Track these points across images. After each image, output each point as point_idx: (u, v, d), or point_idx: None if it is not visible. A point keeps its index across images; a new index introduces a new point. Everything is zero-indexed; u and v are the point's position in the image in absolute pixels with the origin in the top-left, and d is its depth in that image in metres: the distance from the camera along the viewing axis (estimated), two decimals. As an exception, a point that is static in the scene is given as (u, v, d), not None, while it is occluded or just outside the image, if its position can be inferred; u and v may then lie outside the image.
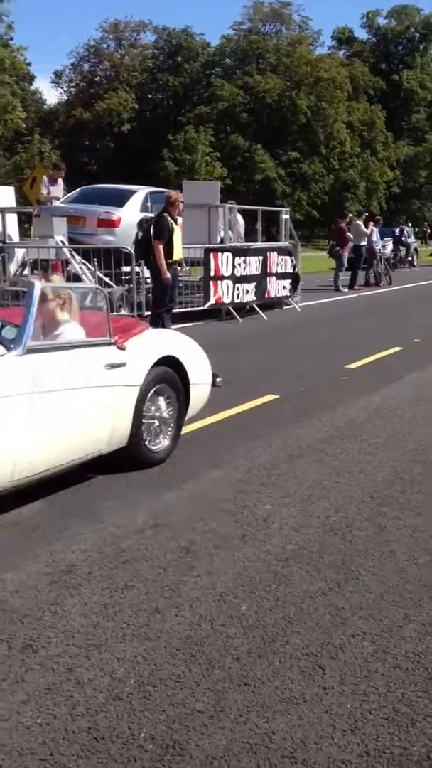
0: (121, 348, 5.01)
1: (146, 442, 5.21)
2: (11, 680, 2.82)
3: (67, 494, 4.68)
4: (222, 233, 14.49)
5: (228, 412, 6.80)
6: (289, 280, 15.66)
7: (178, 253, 10.69)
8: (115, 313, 11.94)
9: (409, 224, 36.52)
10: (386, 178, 60.83)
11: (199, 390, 5.81)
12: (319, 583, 3.65)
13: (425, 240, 47.23)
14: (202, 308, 12.98)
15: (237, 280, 13.29)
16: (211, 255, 12.68)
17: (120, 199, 14.39)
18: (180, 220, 11.26)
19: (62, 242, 12.54)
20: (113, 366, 4.85)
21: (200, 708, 2.71)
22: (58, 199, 15.34)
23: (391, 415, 6.88)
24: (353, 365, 9.22)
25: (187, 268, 14.16)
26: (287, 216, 17.23)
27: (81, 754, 2.47)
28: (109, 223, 13.60)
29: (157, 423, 5.34)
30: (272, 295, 14.85)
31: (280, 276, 15.10)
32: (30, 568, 3.69)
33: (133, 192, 14.89)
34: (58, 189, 15.66)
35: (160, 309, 10.58)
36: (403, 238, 30.64)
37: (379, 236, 23.03)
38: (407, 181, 64.09)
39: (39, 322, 4.54)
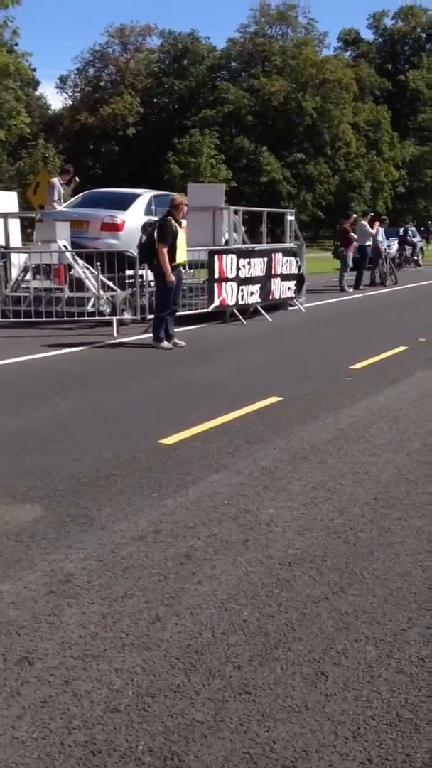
0: None
1: None
2: (6, 694, 2.77)
3: (66, 501, 4.62)
4: (227, 235, 14.44)
5: (231, 414, 6.74)
6: (294, 281, 15.59)
7: (182, 256, 10.66)
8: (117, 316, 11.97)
9: (413, 223, 36.48)
10: (392, 178, 60.80)
11: None
12: (322, 587, 3.59)
13: (427, 239, 47.20)
14: (206, 311, 12.95)
15: (241, 282, 13.24)
16: (216, 257, 12.64)
17: (124, 203, 14.39)
18: (184, 222, 11.22)
19: (65, 246, 12.55)
20: None
21: (200, 718, 2.65)
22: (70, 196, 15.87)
23: (395, 415, 6.82)
24: (358, 366, 9.16)
25: (192, 270, 14.13)
26: (292, 217, 17.21)
27: (77, 768, 2.42)
28: (113, 227, 13.60)
29: None
30: (277, 296, 14.79)
31: (285, 277, 15.04)
32: (27, 578, 3.63)
33: (137, 195, 14.89)
34: (69, 189, 16.42)
35: (164, 312, 10.54)
36: (408, 238, 30.59)
37: (384, 236, 22.97)
38: (413, 181, 64.07)
39: None
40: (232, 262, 12.94)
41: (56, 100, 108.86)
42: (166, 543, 4.05)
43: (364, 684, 2.86)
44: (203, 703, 2.74)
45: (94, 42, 76.64)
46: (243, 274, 13.24)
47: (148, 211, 14.11)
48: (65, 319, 12.33)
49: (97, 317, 12.44)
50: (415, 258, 31.77)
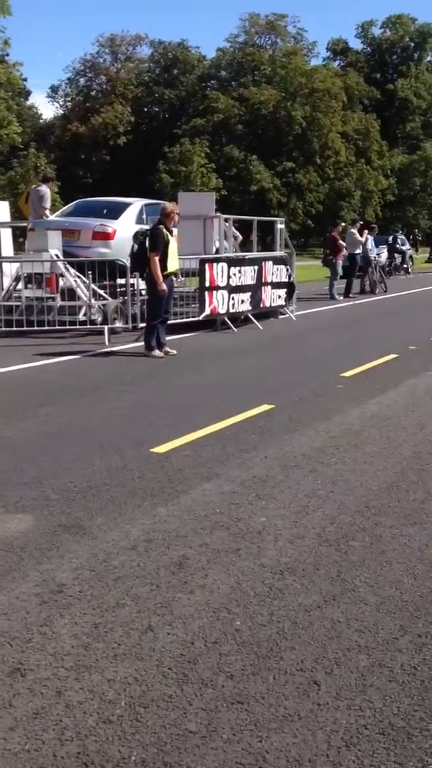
0: None
1: None
2: (-2, 705, 2.76)
3: (57, 511, 4.61)
4: (217, 244, 14.47)
5: (223, 423, 6.74)
6: (285, 290, 15.63)
7: (173, 265, 10.67)
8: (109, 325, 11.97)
9: (402, 231, 36.69)
10: (381, 186, 61.06)
11: None
12: (314, 596, 3.59)
13: (415, 247, 47.47)
14: (197, 319, 12.96)
15: (232, 290, 13.26)
16: (206, 265, 12.66)
17: (115, 212, 14.42)
18: (175, 231, 11.25)
19: (57, 256, 12.55)
20: None
21: (192, 729, 2.65)
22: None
23: (386, 423, 6.83)
24: (348, 373, 9.18)
25: (183, 278, 14.15)
26: (282, 226, 17.27)
27: (69, 780, 2.41)
28: (104, 236, 13.63)
29: None
30: (267, 304, 14.81)
31: (276, 285, 15.07)
32: (19, 589, 3.62)
33: (128, 204, 14.92)
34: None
35: (155, 321, 10.55)
36: (397, 246, 30.74)
37: (373, 244, 23.07)
38: (402, 189, 64.37)
39: None
40: (222, 271, 12.96)
41: (47, 110, 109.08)
42: (158, 552, 4.04)
43: (357, 693, 2.86)
44: (196, 713, 2.73)
45: (85, 52, 76.93)
46: (234, 282, 13.27)
47: (139, 220, 14.15)
48: (57, 327, 12.32)
49: (88, 326, 12.44)
50: (405, 266, 31.92)
